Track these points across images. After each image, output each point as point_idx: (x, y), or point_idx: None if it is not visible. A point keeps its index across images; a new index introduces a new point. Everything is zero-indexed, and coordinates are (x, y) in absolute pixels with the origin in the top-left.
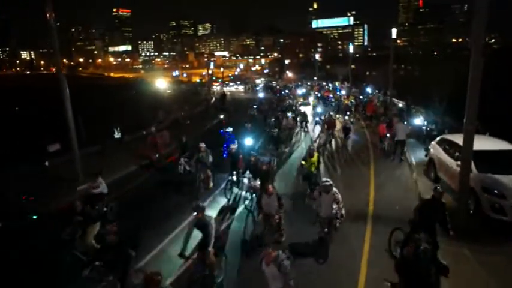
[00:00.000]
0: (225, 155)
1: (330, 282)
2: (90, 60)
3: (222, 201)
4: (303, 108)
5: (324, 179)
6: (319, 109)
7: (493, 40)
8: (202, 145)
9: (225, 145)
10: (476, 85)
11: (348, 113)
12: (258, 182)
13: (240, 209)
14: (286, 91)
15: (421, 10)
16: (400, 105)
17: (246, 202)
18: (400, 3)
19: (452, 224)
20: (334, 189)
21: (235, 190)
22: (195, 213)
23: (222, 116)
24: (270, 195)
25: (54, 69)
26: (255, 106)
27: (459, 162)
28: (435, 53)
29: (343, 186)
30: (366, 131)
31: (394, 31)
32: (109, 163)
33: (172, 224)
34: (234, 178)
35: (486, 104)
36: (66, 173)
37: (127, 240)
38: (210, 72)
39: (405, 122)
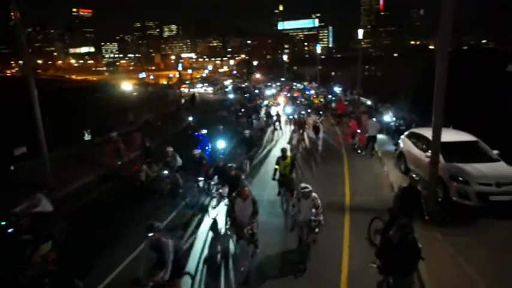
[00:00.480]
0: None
1: (314, 270)
2: (50, 62)
3: (187, 213)
4: (274, 109)
5: (302, 184)
6: (288, 109)
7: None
8: (170, 149)
9: (199, 148)
10: (443, 84)
11: (321, 112)
12: (226, 189)
13: (207, 220)
14: (257, 91)
15: (381, 13)
16: (369, 102)
17: (214, 212)
18: (362, 7)
19: (426, 210)
20: (314, 194)
21: (203, 199)
22: (150, 234)
23: (190, 119)
24: (245, 199)
25: (9, 72)
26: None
27: (428, 153)
28: (396, 54)
29: (319, 181)
30: (337, 129)
31: (361, 32)
32: (74, 169)
33: (129, 245)
34: (201, 185)
35: (450, 99)
36: (33, 177)
37: (73, 268)
38: (178, 74)
39: (374, 119)
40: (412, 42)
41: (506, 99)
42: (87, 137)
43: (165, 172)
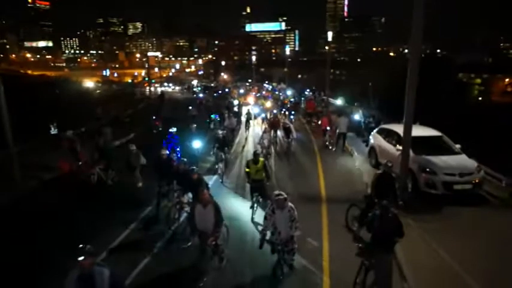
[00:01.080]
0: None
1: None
2: (1, 55)
3: (142, 230)
4: (245, 108)
5: (276, 192)
6: (255, 109)
7: (406, 50)
8: (133, 147)
9: (168, 148)
10: (414, 85)
11: (293, 112)
12: (189, 195)
13: (166, 234)
14: (226, 90)
15: (346, 20)
16: (339, 102)
17: (175, 223)
18: (328, 13)
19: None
20: (290, 204)
21: (164, 208)
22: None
23: (154, 117)
24: (206, 206)
25: None
26: (191, 107)
27: (398, 147)
28: (359, 60)
29: (294, 177)
30: (307, 127)
31: (330, 34)
32: (29, 166)
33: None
34: (163, 191)
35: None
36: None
37: None
38: (144, 72)
39: (344, 117)
40: (374, 49)
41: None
42: (53, 130)
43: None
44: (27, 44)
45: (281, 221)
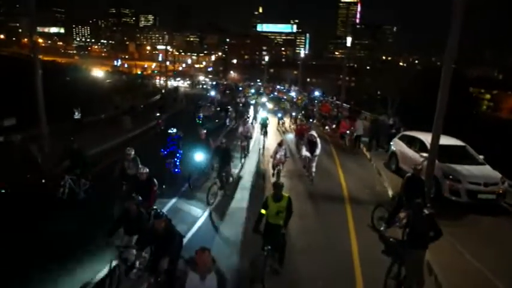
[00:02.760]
0: (174, 170)
1: (327, 250)
2: (14, 39)
3: None
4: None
5: None
6: (263, 113)
7: (416, 61)
8: (130, 151)
9: (166, 151)
10: (445, 95)
11: (311, 120)
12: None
13: None
14: (240, 88)
15: (357, 26)
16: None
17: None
18: (339, 18)
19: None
20: None
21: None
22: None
23: (158, 114)
24: (204, 274)
25: None
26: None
27: (422, 154)
28: (368, 67)
29: (315, 179)
30: (322, 129)
31: (349, 39)
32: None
33: None
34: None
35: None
36: (24, 149)
37: None
38: (154, 65)
39: (360, 121)
40: (384, 57)
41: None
42: (76, 115)
43: None
44: (39, 29)
45: None
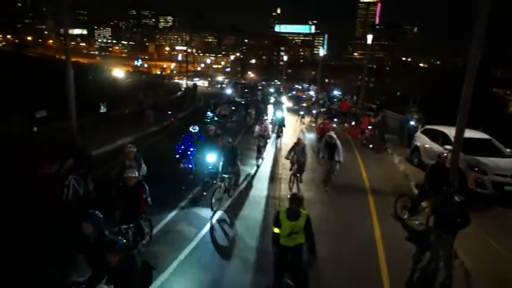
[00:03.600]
0: (189, 166)
1: (351, 237)
2: (40, 40)
3: None
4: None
5: None
6: (279, 113)
7: (438, 62)
8: (131, 149)
9: (184, 150)
10: (469, 90)
11: (336, 120)
12: None
13: None
14: (259, 87)
15: (376, 27)
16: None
17: None
18: (358, 18)
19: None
20: None
21: None
22: None
23: (169, 112)
24: None
25: None
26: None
27: (447, 147)
28: (387, 68)
29: (338, 176)
30: (342, 126)
31: (370, 37)
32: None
33: None
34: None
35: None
36: (56, 140)
37: None
38: (173, 65)
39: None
40: (403, 58)
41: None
42: (102, 109)
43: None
44: (63, 30)
45: None
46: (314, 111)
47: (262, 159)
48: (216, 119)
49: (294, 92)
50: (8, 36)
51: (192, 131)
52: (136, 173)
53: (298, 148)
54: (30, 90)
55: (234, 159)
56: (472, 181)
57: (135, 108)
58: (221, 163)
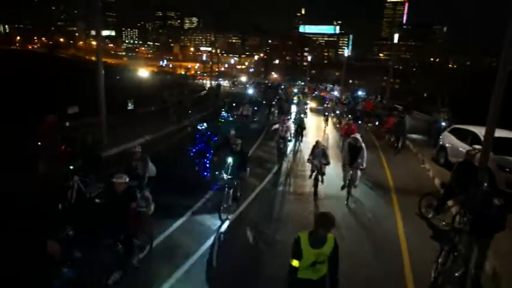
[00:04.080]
0: (204, 173)
1: (375, 235)
2: (71, 42)
3: None
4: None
5: None
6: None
7: (468, 62)
8: (137, 148)
9: (199, 152)
10: (501, 89)
11: (360, 122)
12: None
13: None
14: (282, 87)
15: (404, 27)
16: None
17: None
18: (385, 19)
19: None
20: None
21: None
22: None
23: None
24: None
25: (31, 46)
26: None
27: (476, 146)
28: (414, 69)
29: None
30: (366, 126)
31: (396, 36)
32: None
33: None
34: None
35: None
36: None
37: None
38: (197, 66)
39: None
40: (432, 59)
41: None
42: (130, 106)
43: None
44: (92, 32)
45: None
46: (338, 112)
47: (282, 164)
48: (231, 119)
49: (317, 92)
50: (43, 39)
51: (200, 128)
52: (127, 179)
53: (317, 150)
54: (64, 88)
55: (244, 163)
56: (502, 182)
57: (161, 106)
58: (229, 167)
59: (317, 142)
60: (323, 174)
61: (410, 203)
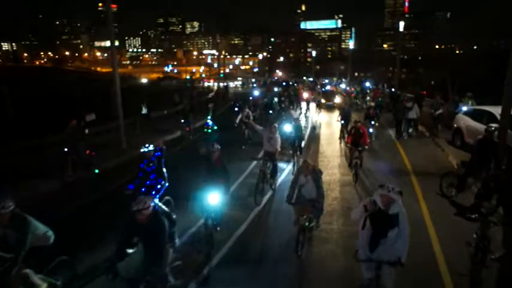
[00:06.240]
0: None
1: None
2: (77, 55)
3: None
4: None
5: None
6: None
7: (475, 47)
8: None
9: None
10: None
11: (373, 122)
12: None
13: None
14: (290, 83)
15: (406, 16)
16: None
17: None
18: (386, 9)
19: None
20: None
21: None
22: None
23: (182, 121)
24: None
25: (38, 62)
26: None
27: (492, 125)
28: (420, 58)
29: (379, 159)
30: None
31: (402, 24)
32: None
33: None
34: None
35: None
36: (105, 140)
37: None
38: (202, 69)
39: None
40: (437, 46)
41: None
42: (143, 111)
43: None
44: (96, 43)
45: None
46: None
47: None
48: (215, 128)
49: (327, 87)
50: (49, 53)
51: (145, 150)
52: (151, 204)
53: (302, 178)
54: (78, 97)
55: (216, 179)
56: None
57: (173, 110)
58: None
59: (304, 163)
60: (310, 227)
61: (430, 183)
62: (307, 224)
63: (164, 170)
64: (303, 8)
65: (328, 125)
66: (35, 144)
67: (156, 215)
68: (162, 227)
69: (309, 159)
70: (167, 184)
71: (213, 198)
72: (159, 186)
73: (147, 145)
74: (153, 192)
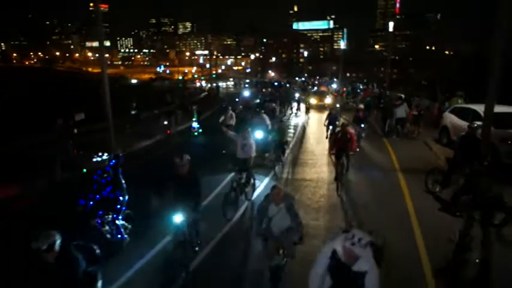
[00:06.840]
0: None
1: (385, 211)
2: (67, 55)
3: None
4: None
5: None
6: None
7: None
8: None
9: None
10: (496, 72)
11: (363, 125)
12: None
13: None
14: (282, 83)
15: (397, 17)
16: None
17: None
18: (378, 10)
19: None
20: None
21: None
22: None
23: (165, 123)
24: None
25: (27, 62)
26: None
27: (477, 122)
28: (410, 58)
29: (367, 157)
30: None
31: (391, 24)
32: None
33: None
34: None
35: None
36: (94, 140)
37: None
38: (194, 70)
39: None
40: (427, 47)
41: None
42: (133, 111)
43: None
44: (88, 44)
45: None
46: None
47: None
48: (201, 130)
49: (316, 87)
50: (39, 54)
51: (98, 159)
52: (57, 241)
53: (272, 208)
54: (68, 97)
55: (195, 192)
56: (505, 154)
57: (165, 109)
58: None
59: (274, 189)
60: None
61: (416, 181)
62: (283, 262)
63: (123, 181)
64: (295, 8)
65: (318, 125)
66: (24, 144)
67: (65, 251)
68: (73, 264)
69: (279, 184)
70: (127, 197)
71: (180, 217)
72: (118, 206)
73: (100, 154)
74: (114, 215)
